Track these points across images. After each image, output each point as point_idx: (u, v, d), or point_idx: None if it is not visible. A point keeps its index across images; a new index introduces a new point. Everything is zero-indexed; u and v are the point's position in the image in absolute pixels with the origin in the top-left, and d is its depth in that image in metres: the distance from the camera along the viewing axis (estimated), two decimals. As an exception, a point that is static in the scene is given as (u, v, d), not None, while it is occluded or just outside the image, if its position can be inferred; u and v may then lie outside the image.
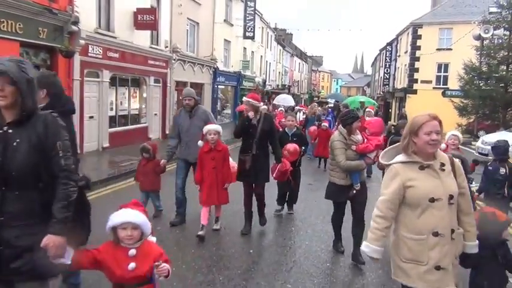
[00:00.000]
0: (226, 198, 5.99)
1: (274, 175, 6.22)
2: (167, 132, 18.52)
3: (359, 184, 5.09)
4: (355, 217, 5.18)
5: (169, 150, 6.57)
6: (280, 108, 18.73)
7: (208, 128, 5.76)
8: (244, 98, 5.87)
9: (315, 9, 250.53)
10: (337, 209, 5.41)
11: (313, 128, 12.60)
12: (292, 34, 58.74)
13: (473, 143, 20.69)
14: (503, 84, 21.07)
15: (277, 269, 4.90)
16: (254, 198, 6.16)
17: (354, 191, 5.08)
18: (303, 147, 7.15)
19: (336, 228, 5.50)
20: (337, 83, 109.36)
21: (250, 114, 5.79)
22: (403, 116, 27.51)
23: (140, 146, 6.81)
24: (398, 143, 2.93)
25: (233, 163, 6.21)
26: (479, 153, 14.73)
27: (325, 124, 11.88)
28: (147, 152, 6.64)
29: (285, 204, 7.41)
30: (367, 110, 12.97)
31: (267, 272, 4.84)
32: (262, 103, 5.97)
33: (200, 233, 5.70)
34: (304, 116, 15.09)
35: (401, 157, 2.83)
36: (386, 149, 3.11)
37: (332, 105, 28.49)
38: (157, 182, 6.67)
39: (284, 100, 26.90)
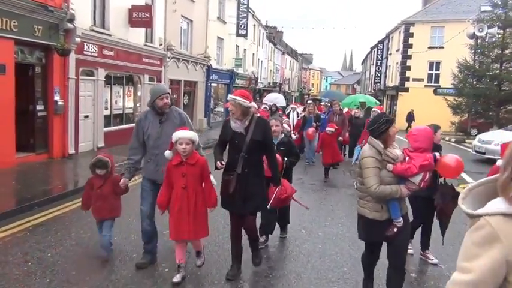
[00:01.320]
0: (204, 229, 4.40)
1: (269, 203, 4.61)
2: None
3: (401, 219, 3.74)
4: (392, 265, 3.87)
5: (130, 167, 4.92)
6: (263, 106, 15.31)
7: (178, 135, 4.21)
8: (230, 96, 4.37)
9: (305, 7, 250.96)
10: (369, 251, 4.10)
11: (311, 130, 11.75)
12: (282, 32, 58.66)
13: (467, 141, 20.85)
14: (496, 83, 21.22)
15: (296, 278, 4.76)
16: None
17: (395, 229, 3.72)
18: (286, 159, 5.43)
19: (366, 269, 4.22)
20: (326, 81, 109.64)
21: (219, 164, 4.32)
22: (411, 116, 27.55)
23: (92, 160, 5.08)
24: (490, 178, 1.58)
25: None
26: (476, 151, 14.79)
27: (331, 129, 10.33)
28: (104, 166, 4.95)
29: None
30: (373, 110, 10.68)
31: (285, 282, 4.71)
32: (253, 102, 4.49)
33: (176, 279, 4.38)
34: (300, 117, 13.26)
35: (500, 204, 1.47)
36: (470, 185, 1.62)
37: (328, 103, 27.83)
38: (117, 207, 5.12)
39: (276, 100, 22.53)
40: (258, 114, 5.21)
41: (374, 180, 3.60)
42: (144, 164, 5.00)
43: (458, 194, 4.88)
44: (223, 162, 4.33)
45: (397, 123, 11.32)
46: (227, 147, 4.52)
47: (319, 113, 13.34)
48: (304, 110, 13.89)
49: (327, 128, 10.44)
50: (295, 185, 7.67)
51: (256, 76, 36.20)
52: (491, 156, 13.97)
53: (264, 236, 5.56)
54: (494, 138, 14.26)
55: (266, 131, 4.45)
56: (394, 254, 3.83)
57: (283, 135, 5.73)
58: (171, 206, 4.32)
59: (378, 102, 13.92)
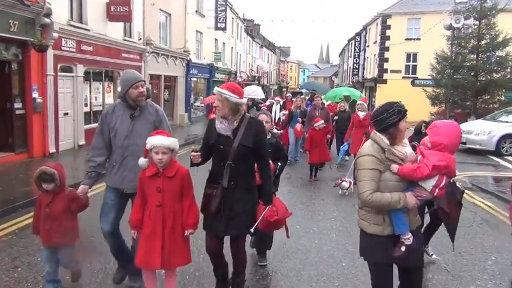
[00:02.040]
0: (181, 256, 3.55)
1: (257, 224, 3.61)
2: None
3: (409, 235, 2.95)
4: None
5: (91, 171, 4.03)
6: None
7: (153, 142, 3.38)
8: (216, 89, 3.56)
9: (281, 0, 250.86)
10: (376, 275, 3.13)
11: (299, 126, 11.28)
12: (259, 25, 58.42)
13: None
14: (473, 73, 21.60)
15: (297, 275, 4.70)
16: None
17: (402, 248, 2.92)
18: (279, 164, 4.64)
19: None
20: (304, 73, 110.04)
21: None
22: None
23: (36, 172, 3.93)
24: None
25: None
26: (457, 141, 15.03)
27: (320, 123, 9.47)
28: (51, 179, 3.84)
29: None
30: (358, 103, 10.18)
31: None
32: (244, 98, 3.65)
33: None
34: (283, 113, 12.30)
35: None
36: None
37: (308, 96, 27.04)
38: (72, 229, 4.03)
39: (254, 93, 20.28)
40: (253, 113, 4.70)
41: (369, 186, 2.87)
42: (108, 169, 4.08)
43: (463, 192, 4.63)
44: (197, 149, 3.62)
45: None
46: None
47: (306, 108, 12.69)
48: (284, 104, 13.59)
49: (316, 123, 9.48)
50: (283, 179, 7.68)
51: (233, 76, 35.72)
52: (472, 146, 14.29)
53: (263, 259, 4.89)
54: (474, 128, 14.52)
55: (259, 135, 3.59)
56: (407, 279, 3.11)
57: (270, 134, 4.74)
58: (142, 225, 3.52)
59: (362, 95, 13.45)
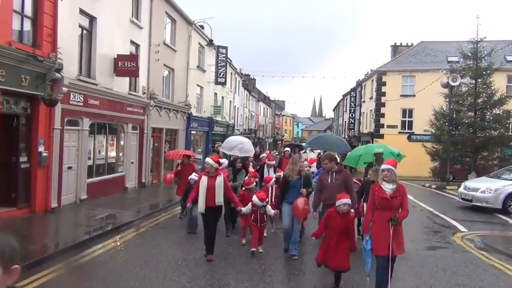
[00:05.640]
0: None
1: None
2: (143, 180, 17.82)
3: None
4: None
5: None
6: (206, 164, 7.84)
7: None
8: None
9: (274, 55, 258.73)
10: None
11: (302, 202, 7.39)
12: (255, 79, 59.76)
13: (447, 187, 21.17)
14: (472, 130, 21.93)
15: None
16: None
17: None
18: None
19: None
20: (298, 126, 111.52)
21: None
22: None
23: None
24: None
25: None
26: (463, 199, 14.94)
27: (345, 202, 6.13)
28: None
29: None
30: (383, 168, 5.77)
31: None
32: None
33: None
34: (279, 174, 9.61)
35: None
36: None
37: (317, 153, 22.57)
38: None
39: (240, 145, 11.54)
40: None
41: None
42: None
43: None
44: None
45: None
46: None
47: (309, 172, 9.30)
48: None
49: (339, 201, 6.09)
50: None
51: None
52: (479, 204, 14.17)
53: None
54: (480, 186, 14.46)
55: None
56: None
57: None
58: None
59: (398, 152, 10.00)
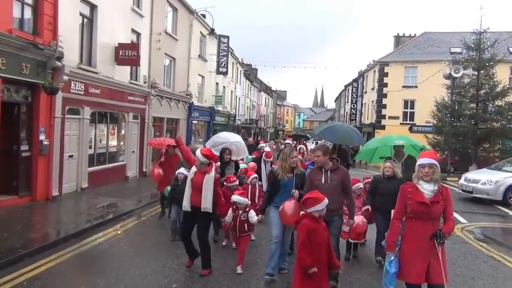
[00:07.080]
0: None
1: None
2: (144, 170, 17.84)
3: None
4: None
5: None
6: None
7: None
8: None
9: (276, 44, 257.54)
10: None
11: (291, 206, 5.51)
12: (257, 69, 59.55)
13: (448, 179, 21.17)
14: (474, 122, 21.87)
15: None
16: None
17: None
18: None
19: None
20: (299, 117, 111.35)
21: None
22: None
23: None
24: None
25: None
26: (463, 190, 14.95)
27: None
28: None
29: None
30: (420, 163, 4.40)
31: None
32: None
33: None
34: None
35: None
36: None
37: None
38: None
39: (228, 144, 9.80)
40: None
41: None
42: None
43: None
44: None
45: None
46: None
47: (303, 169, 6.74)
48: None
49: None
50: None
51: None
52: (479, 195, 14.18)
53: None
54: (481, 178, 14.47)
55: None
56: None
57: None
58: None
59: (424, 146, 9.13)
